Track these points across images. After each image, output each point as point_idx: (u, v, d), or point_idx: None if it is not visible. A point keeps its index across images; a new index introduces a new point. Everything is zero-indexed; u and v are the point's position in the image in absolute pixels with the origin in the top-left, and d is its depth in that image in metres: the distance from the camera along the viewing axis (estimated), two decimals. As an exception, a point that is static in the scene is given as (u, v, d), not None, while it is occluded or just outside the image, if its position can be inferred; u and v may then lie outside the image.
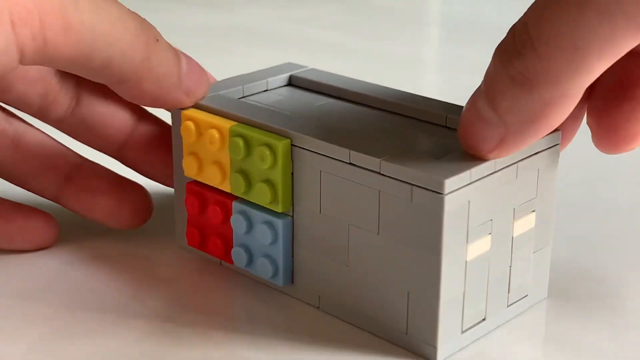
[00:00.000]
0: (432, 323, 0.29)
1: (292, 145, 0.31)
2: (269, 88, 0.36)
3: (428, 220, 0.28)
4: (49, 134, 0.37)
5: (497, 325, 0.31)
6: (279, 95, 0.36)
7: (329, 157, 0.30)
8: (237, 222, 0.33)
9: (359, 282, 0.31)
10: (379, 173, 0.29)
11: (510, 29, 0.27)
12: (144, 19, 0.31)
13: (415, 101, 0.34)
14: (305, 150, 0.31)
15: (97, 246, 0.37)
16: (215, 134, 0.32)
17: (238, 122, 0.32)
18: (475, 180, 0.28)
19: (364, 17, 0.75)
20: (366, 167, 0.29)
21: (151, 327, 0.31)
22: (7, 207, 0.35)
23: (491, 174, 0.29)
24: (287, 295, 0.33)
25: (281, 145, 0.31)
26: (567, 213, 0.39)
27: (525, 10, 0.27)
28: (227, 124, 0.32)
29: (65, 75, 0.35)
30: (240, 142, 0.31)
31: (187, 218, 0.35)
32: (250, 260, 0.33)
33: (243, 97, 0.35)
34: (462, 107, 0.33)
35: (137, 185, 0.37)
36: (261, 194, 0.31)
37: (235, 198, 0.33)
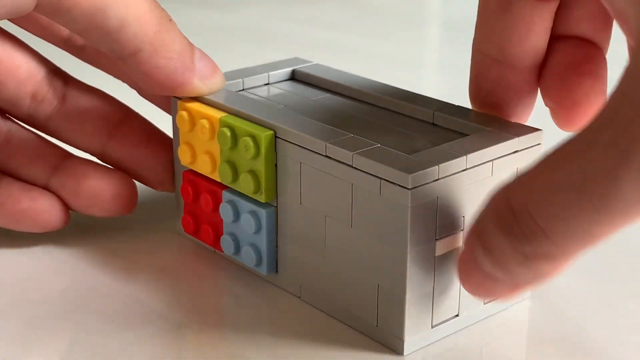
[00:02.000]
0: (399, 316, 0.29)
1: (276, 137, 0.32)
2: (270, 82, 0.37)
3: (395, 215, 0.28)
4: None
5: (473, 322, 0.31)
6: (279, 89, 0.37)
7: (308, 149, 0.31)
8: (225, 211, 0.33)
9: (334, 274, 0.31)
10: (351, 166, 0.29)
11: (503, 201, 0.26)
12: (158, 3, 0.32)
13: (410, 98, 0.34)
14: (287, 142, 0.31)
15: (94, 232, 0.38)
16: (206, 124, 0.33)
17: (228, 113, 0.33)
18: (445, 177, 0.28)
19: (364, 17, 0.75)
20: (340, 160, 0.30)
21: (137, 312, 0.32)
22: (15, 188, 0.36)
23: (462, 170, 0.29)
24: (273, 284, 0.34)
25: (264, 136, 0.31)
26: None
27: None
28: (217, 115, 0.33)
29: (53, 73, 0.36)
30: (228, 132, 0.32)
31: (183, 206, 0.36)
32: (238, 248, 0.34)
33: (242, 89, 0.36)
34: (452, 105, 0.33)
35: (121, 173, 0.37)
36: (246, 184, 0.32)
37: (225, 187, 0.34)
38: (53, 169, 0.37)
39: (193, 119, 0.34)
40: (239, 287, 0.34)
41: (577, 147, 0.24)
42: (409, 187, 0.28)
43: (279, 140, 0.31)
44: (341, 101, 0.35)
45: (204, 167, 0.34)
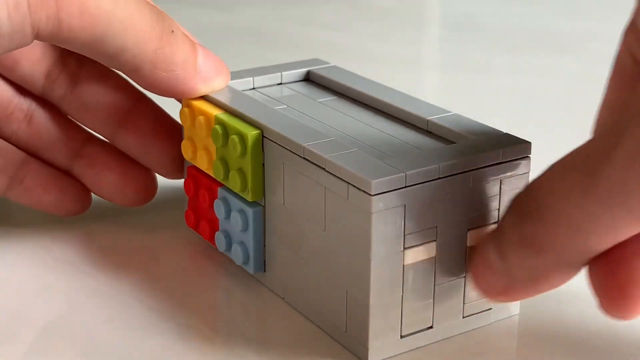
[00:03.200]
0: (364, 323, 0.29)
1: (263, 137, 0.32)
2: (283, 82, 0.37)
3: (360, 220, 0.28)
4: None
5: (450, 334, 0.31)
6: (290, 89, 0.37)
7: (289, 150, 0.30)
8: (218, 208, 0.34)
9: (311, 277, 0.31)
10: (324, 169, 0.29)
11: (530, 185, 0.27)
12: (162, 11, 0.33)
13: (408, 104, 0.34)
14: (273, 142, 0.31)
15: (91, 231, 0.38)
16: (202, 120, 0.33)
17: (224, 110, 0.33)
18: (413, 185, 0.28)
19: (364, 17, 0.74)
20: (315, 162, 0.29)
21: (136, 311, 0.33)
22: (46, 176, 0.38)
23: (434, 179, 0.28)
24: (262, 283, 0.34)
25: (250, 135, 0.31)
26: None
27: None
28: (213, 112, 0.33)
29: (66, 54, 0.37)
30: (220, 129, 0.32)
31: (187, 200, 0.36)
32: (229, 245, 0.34)
33: (252, 88, 0.36)
34: (449, 112, 0.33)
35: (142, 167, 0.38)
36: (235, 182, 0.32)
37: (221, 184, 0.34)
38: (74, 155, 0.38)
39: (193, 115, 0.34)
40: (229, 284, 0.34)
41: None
42: (372, 194, 0.27)
43: (266, 140, 0.31)
44: (347, 105, 0.35)
45: (202, 162, 0.34)
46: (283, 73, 0.37)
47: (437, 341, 0.30)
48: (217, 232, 0.34)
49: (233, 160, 0.32)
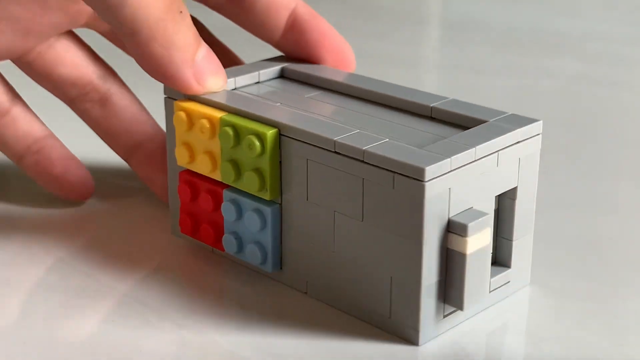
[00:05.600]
0: (415, 307, 0.30)
1: (280, 134, 0.32)
2: (260, 80, 0.37)
3: (410, 207, 0.29)
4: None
5: (479, 311, 0.32)
6: (270, 87, 0.37)
7: (316, 145, 0.31)
8: (227, 210, 0.33)
9: (344, 268, 0.31)
10: (362, 161, 0.30)
11: None
12: None
13: (402, 93, 0.35)
14: (293, 140, 0.31)
15: (94, 233, 0.38)
16: (206, 123, 0.33)
17: (228, 112, 0.33)
18: (456, 168, 0.29)
19: (363, 16, 0.75)
20: (350, 155, 0.30)
21: (137, 312, 0.32)
22: (58, 152, 0.40)
23: (472, 162, 0.30)
24: (277, 281, 0.34)
25: (269, 134, 0.31)
26: (567, 213, 0.40)
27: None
28: (217, 114, 0.33)
29: (100, 69, 0.39)
30: (230, 131, 0.32)
31: (179, 206, 0.36)
32: (241, 247, 0.34)
33: (235, 88, 0.36)
34: (447, 98, 0.34)
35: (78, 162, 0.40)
36: (250, 182, 0.32)
37: (226, 186, 0.34)
38: (135, 146, 0.40)
39: (191, 119, 0.34)
40: (240, 283, 0.34)
41: None
42: (425, 180, 0.28)
43: (284, 137, 0.32)
44: (335, 97, 0.36)
45: (203, 167, 0.34)
46: (260, 72, 0.37)
47: (470, 317, 0.32)
48: (224, 235, 0.34)
49: (248, 161, 0.32)
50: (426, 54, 0.68)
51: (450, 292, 0.30)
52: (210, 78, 0.34)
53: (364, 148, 0.29)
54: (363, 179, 0.30)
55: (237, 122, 0.32)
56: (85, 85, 0.39)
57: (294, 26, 0.37)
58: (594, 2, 0.79)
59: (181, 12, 0.32)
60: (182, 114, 0.34)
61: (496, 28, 0.71)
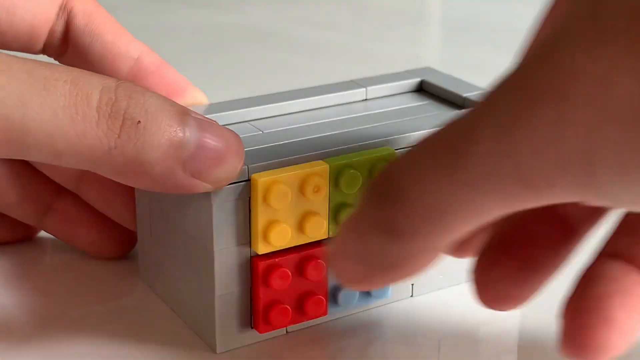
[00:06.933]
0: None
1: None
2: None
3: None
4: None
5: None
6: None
7: None
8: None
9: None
10: None
11: (388, 166, 0.24)
12: (135, 91, 0.27)
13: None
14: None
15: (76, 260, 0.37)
16: (316, 181, 0.29)
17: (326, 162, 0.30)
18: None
19: (363, 17, 0.75)
20: None
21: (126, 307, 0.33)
22: (79, 209, 0.36)
23: None
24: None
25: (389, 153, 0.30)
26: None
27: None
28: (321, 167, 0.29)
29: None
30: (356, 173, 0.29)
31: (263, 301, 0.30)
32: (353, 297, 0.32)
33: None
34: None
35: (116, 224, 0.35)
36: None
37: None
38: (46, 209, 0.36)
39: (292, 187, 0.29)
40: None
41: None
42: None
43: None
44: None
45: (316, 233, 0.30)
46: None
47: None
48: (341, 292, 0.31)
49: (349, 199, 0.30)
50: (426, 54, 0.68)
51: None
52: (212, 171, 0.28)
53: None
54: None
55: (347, 161, 0.29)
56: None
57: (137, 78, 0.33)
58: (594, 2, 0.78)
59: (138, 122, 0.26)
60: (284, 188, 0.28)
61: (496, 28, 0.71)
